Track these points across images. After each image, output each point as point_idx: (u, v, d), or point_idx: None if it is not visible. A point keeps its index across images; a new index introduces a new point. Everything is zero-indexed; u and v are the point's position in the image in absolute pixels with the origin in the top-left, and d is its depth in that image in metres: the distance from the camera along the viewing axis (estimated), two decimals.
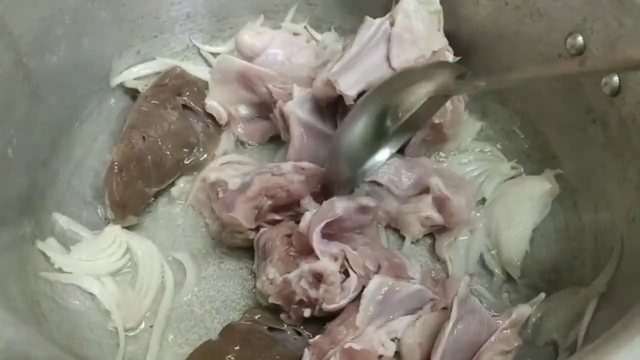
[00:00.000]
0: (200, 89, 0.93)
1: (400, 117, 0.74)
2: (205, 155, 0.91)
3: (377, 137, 0.77)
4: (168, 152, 0.88)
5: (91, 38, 0.85)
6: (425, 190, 0.83)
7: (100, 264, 0.80)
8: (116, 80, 0.92)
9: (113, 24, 0.88)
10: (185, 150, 0.90)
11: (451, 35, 0.92)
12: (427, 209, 0.82)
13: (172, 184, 0.90)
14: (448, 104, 0.82)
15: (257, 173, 0.79)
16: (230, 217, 0.77)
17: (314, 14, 1.01)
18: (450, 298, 0.70)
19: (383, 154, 0.81)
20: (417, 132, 0.85)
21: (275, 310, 0.76)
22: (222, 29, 1.00)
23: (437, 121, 0.84)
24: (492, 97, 0.95)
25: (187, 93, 0.91)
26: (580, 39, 0.78)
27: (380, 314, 0.70)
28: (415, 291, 0.72)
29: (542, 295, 0.74)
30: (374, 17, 0.81)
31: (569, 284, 0.78)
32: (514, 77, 0.69)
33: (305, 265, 0.71)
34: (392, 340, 0.70)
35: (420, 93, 0.74)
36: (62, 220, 0.82)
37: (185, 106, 0.91)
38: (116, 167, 0.83)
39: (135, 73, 0.93)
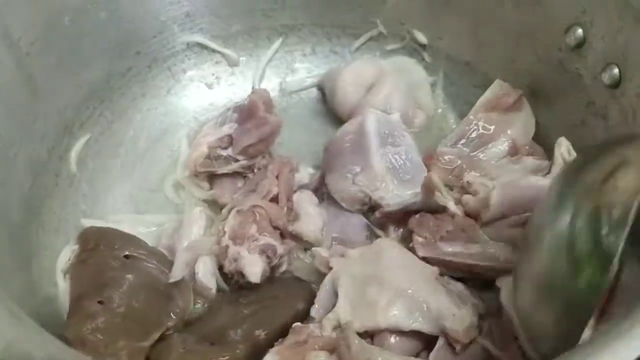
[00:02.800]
0: (127, 235, 0.82)
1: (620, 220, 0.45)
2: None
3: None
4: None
5: (91, 39, 0.85)
6: None
7: None
8: None
9: (112, 25, 0.87)
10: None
11: (454, 31, 0.92)
12: None
13: None
14: None
15: None
16: None
17: None
18: None
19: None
20: None
21: None
22: (223, 28, 0.99)
23: None
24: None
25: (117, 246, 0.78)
26: (580, 31, 0.77)
27: None
28: None
29: None
30: None
31: None
32: None
33: None
34: None
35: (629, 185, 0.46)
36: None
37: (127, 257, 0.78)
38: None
39: None
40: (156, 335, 0.71)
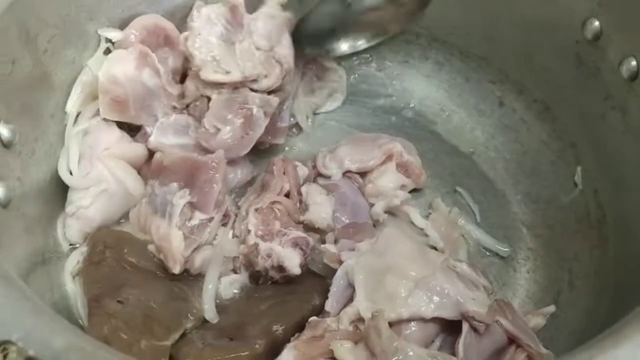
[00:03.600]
0: (137, 240, 0.80)
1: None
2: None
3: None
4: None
5: None
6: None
7: None
8: None
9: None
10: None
11: (467, 26, 0.92)
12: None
13: None
14: None
15: None
16: None
17: None
18: None
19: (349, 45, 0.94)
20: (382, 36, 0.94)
21: None
22: None
23: None
24: (509, 86, 0.94)
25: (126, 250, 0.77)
26: (597, 23, 0.77)
27: None
28: None
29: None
30: None
31: (591, 272, 0.78)
32: None
33: None
34: None
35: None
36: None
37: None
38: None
39: None
40: (177, 335, 0.71)
